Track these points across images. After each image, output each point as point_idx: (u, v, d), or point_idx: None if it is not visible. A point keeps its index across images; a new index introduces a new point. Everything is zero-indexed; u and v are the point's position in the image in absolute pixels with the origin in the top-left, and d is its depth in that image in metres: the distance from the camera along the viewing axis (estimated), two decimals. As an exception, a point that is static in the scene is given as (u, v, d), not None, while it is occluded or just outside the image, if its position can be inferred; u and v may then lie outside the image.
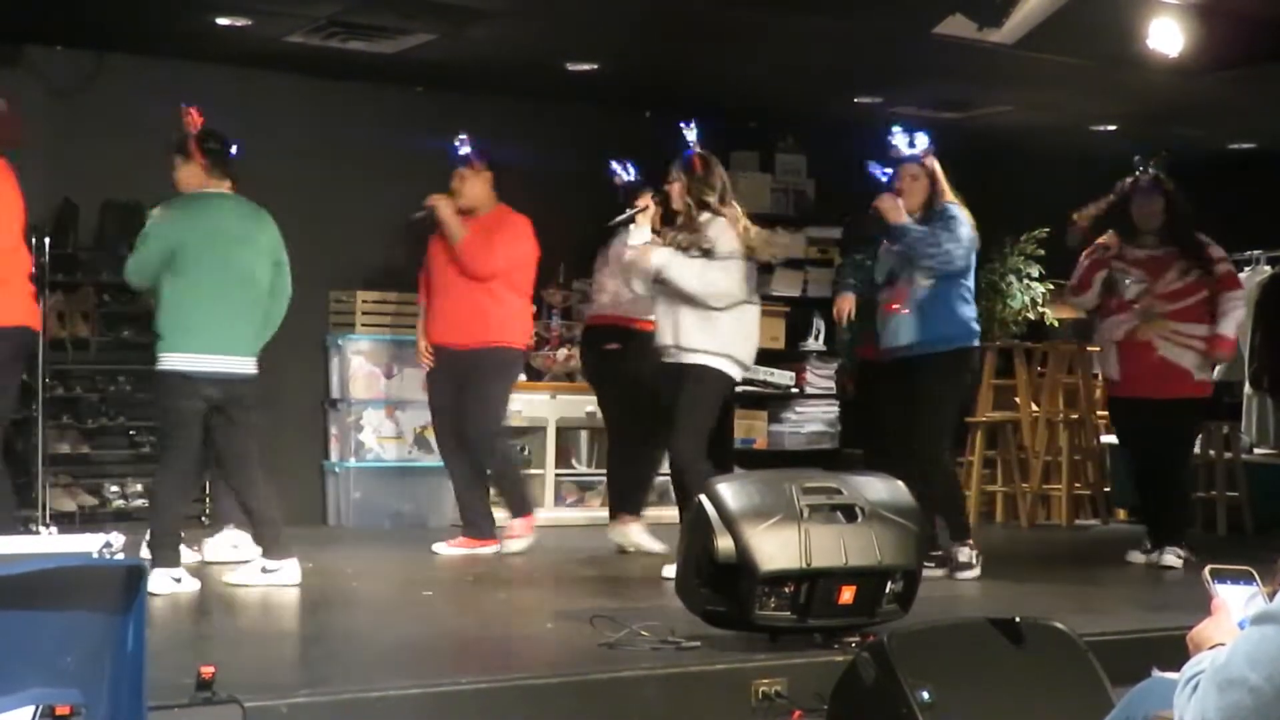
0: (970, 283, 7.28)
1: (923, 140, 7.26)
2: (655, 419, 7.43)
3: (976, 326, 7.33)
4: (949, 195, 7.23)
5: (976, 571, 7.16)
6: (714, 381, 7.07)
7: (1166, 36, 8.22)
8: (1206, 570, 2.55)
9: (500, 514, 8.05)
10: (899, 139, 7.27)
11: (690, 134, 7.23)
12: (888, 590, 5.14)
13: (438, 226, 7.92)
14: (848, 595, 5.03)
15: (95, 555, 3.54)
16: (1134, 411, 7.94)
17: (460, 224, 7.83)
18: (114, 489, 8.77)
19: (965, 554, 7.19)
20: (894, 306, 7.22)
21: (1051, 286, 9.47)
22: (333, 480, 9.46)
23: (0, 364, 6.19)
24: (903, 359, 7.21)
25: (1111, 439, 10.66)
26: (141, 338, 8.58)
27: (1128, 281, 7.87)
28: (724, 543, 4.91)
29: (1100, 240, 8.01)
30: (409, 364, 9.08)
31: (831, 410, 10.79)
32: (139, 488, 8.73)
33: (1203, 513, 10.04)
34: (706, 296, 6.98)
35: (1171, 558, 7.75)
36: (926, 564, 7.04)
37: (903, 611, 5.17)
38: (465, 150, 7.89)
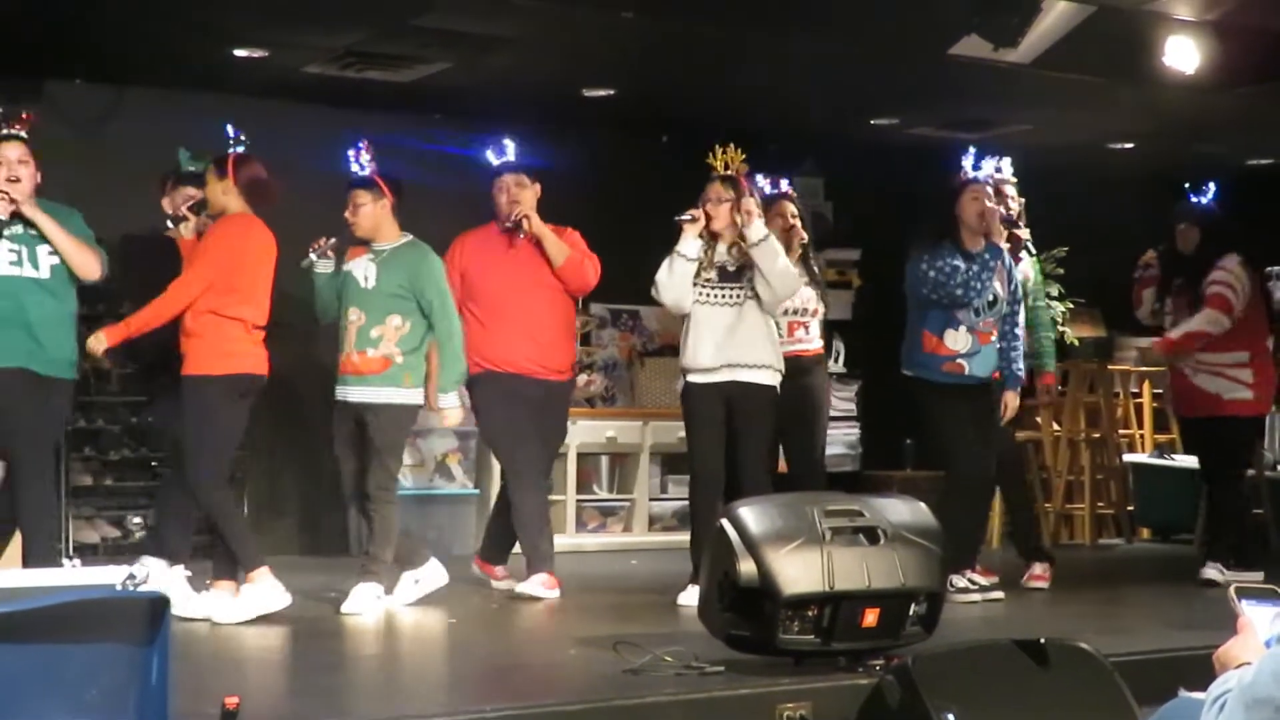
0: None
1: (990, 164, 7.35)
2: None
3: None
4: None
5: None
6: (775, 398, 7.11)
7: (1183, 54, 8.22)
8: (1232, 589, 2.54)
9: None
10: (966, 161, 7.31)
11: (735, 156, 7.08)
12: (911, 612, 5.12)
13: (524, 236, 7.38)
14: (871, 618, 5.02)
15: (119, 587, 3.55)
16: (1184, 430, 8.48)
17: (554, 235, 7.37)
18: (136, 520, 8.78)
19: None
20: (991, 338, 7.26)
21: (1071, 305, 9.46)
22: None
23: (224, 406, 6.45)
24: (976, 386, 7.24)
25: (1133, 458, 10.70)
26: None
27: (1169, 316, 8.18)
28: (746, 566, 4.90)
29: (1144, 259, 8.27)
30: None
31: (853, 432, 10.78)
32: (161, 519, 8.75)
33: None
34: (783, 291, 7.01)
35: (1213, 572, 7.82)
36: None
37: (927, 634, 5.16)
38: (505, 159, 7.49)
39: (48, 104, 8.78)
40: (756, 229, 6.91)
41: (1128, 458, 10.68)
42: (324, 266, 6.97)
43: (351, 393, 6.86)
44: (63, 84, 8.81)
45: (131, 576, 3.67)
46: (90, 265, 6.32)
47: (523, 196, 7.34)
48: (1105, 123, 10.15)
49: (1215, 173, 10.99)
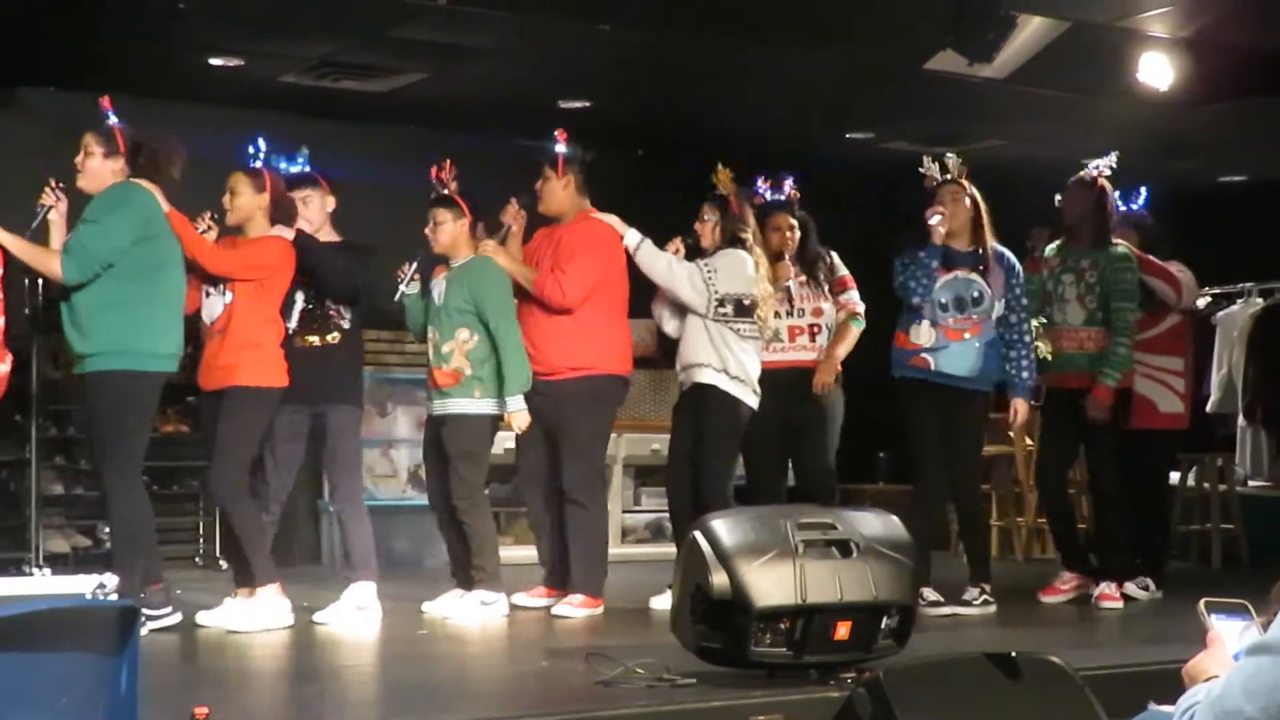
0: None
1: (954, 159, 7.40)
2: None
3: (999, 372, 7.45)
4: (990, 234, 7.36)
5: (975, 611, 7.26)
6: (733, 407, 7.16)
7: (1156, 70, 8.27)
8: (1202, 603, 2.55)
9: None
10: (930, 167, 7.38)
11: (725, 177, 7.27)
12: (883, 625, 5.12)
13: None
14: (843, 631, 5.01)
15: (89, 596, 3.54)
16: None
17: (523, 265, 7.21)
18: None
19: (972, 593, 7.26)
20: (966, 335, 7.28)
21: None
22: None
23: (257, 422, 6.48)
24: (950, 387, 7.27)
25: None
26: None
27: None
28: (719, 579, 4.89)
29: None
30: (403, 402, 9.05)
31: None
32: (133, 528, 8.70)
33: (1198, 545, 10.04)
34: (675, 294, 7.13)
35: (1129, 587, 7.81)
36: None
37: (899, 647, 5.16)
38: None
39: (22, 111, 8.76)
40: (628, 240, 7.18)
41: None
42: (412, 288, 7.14)
43: (434, 406, 7.10)
44: (37, 91, 8.79)
45: (101, 585, 3.66)
46: (45, 269, 6.22)
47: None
48: (1079, 138, 10.18)
49: (1188, 189, 11.09)
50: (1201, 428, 9.97)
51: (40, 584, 4.04)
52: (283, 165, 6.92)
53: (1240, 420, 10.31)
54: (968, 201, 7.29)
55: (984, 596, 7.28)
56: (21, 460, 8.37)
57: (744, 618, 4.88)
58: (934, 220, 7.19)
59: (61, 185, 6.40)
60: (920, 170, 7.43)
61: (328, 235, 6.99)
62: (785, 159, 10.62)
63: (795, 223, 7.62)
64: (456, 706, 4.97)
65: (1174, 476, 9.91)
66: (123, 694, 3.21)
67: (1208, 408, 10.26)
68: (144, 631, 5.00)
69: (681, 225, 7.56)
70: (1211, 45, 8.27)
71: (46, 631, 3.14)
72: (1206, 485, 10.02)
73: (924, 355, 7.25)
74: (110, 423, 6.15)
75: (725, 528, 4.99)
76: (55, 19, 7.68)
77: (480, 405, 6.98)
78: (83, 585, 3.64)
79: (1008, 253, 7.38)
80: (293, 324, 6.75)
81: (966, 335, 7.25)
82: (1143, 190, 8.20)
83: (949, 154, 7.52)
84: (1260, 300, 10.48)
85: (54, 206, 6.36)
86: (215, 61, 8.41)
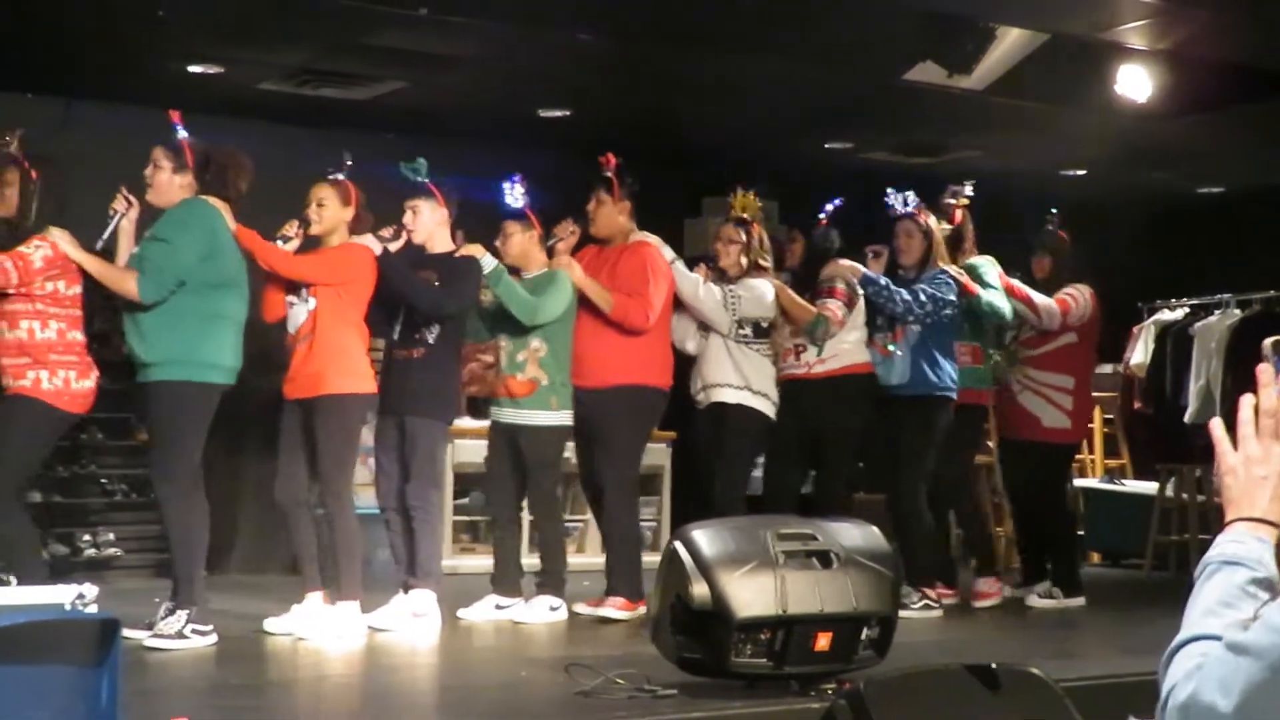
0: (948, 339, 7.61)
1: (913, 198, 7.61)
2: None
3: (949, 380, 7.55)
4: (943, 261, 7.57)
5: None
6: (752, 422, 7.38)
7: (1135, 82, 8.30)
8: (1268, 343, 2.12)
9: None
10: (894, 199, 7.62)
11: (752, 200, 7.61)
12: (864, 636, 5.13)
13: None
14: (824, 642, 5.02)
15: (68, 608, 3.52)
16: (1002, 452, 8.58)
17: (601, 286, 7.22)
18: (86, 538, 8.70)
19: (914, 597, 7.27)
20: (889, 346, 7.51)
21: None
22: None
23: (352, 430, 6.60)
24: (891, 397, 7.51)
25: (1084, 482, 10.75)
26: (114, 385, 8.53)
27: (1010, 333, 8.28)
28: (699, 589, 4.90)
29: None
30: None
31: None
32: (111, 536, 8.69)
33: (1176, 555, 10.06)
34: (702, 306, 7.33)
35: (1032, 598, 7.93)
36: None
37: (879, 658, 5.16)
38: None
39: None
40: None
41: (1078, 482, 10.70)
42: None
43: (505, 414, 7.20)
44: (11, 97, 8.75)
45: (81, 596, 3.63)
46: (120, 289, 6.18)
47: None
48: (1058, 149, 10.22)
49: (1166, 200, 11.13)
50: (1179, 438, 10.00)
51: (18, 594, 4.01)
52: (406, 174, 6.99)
53: (1217, 431, 10.32)
54: (920, 236, 7.58)
55: (924, 600, 7.34)
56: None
57: (724, 628, 4.88)
58: (870, 256, 7.73)
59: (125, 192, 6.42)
60: (885, 200, 7.66)
61: (444, 245, 6.99)
62: (765, 168, 10.66)
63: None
64: (435, 717, 4.95)
65: (1141, 486, 9.98)
66: (103, 705, 3.20)
67: (1185, 418, 10.27)
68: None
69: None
70: (1189, 58, 8.30)
71: (25, 643, 3.12)
72: (1185, 496, 10.05)
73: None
74: (164, 432, 6.18)
75: (706, 538, 4.99)
76: (31, 24, 7.64)
77: (557, 417, 7.13)
78: (62, 596, 3.61)
79: (942, 271, 7.52)
80: (395, 335, 6.89)
81: (890, 346, 7.52)
82: (1054, 211, 8.29)
83: (909, 192, 7.67)
84: (1238, 311, 10.49)
85: (124, 214, 6.37)
86: (194, 69, 8.38)
